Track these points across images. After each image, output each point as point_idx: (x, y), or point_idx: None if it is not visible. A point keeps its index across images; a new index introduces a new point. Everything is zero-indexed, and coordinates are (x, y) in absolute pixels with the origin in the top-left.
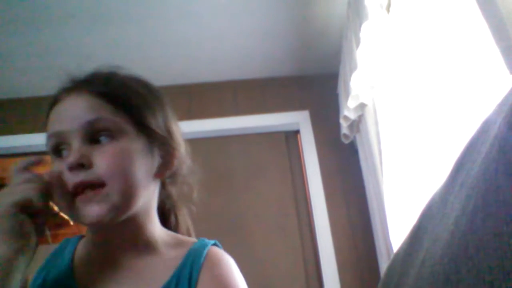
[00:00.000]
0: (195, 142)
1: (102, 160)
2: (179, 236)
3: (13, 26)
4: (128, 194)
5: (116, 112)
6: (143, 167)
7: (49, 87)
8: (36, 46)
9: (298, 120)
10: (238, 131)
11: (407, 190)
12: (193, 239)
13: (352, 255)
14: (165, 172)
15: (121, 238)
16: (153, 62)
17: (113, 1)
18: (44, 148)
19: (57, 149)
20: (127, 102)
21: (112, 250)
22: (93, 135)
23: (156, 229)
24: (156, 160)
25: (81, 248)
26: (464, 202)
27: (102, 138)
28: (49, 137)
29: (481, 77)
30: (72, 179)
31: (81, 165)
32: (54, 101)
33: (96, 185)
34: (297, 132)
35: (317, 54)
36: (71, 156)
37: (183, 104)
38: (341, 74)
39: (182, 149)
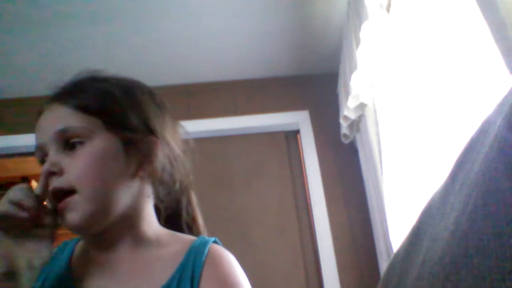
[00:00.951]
0: (194, 142)
1: (73, 167)
2: (177, 233)
3: (12, 25)
4: (100, 198)
5: (85, 117)
6: (117, 167)
7: (48, 87)
8: (36, 45)
9: (298, 120)
10: (238, 131)
11: (407, 190)
12: (191, 236)
13: (352, 255)
14: (144, 170)
15: (114, 239)
16: (153, 62)
17: (112, 1)
18: None
19: (43, 160)
20: (95, 106)
21: (109, 250)
22: (66, 143)
23: (152, 228)
24: (135, 159)
25: (79, 250)
26: (464, 202)
27: (75, 145)
28: (34, 151)
29: (481, 77)
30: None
31: (53, 173)
32: (38, 114)
33: (70, 192)
34: (297, 132)
35: (317, 54)
36: (44, 166)
37: (182, 104)
38: (341, 74)
39: (166, 146)
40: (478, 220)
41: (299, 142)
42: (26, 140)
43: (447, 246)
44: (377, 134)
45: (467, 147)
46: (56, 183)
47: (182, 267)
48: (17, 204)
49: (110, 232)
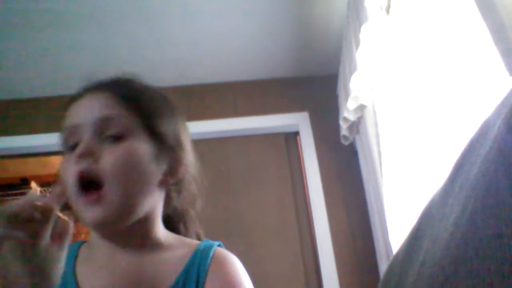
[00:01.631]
0: (194, 144)
1: (108, 158)
2: (182, 238)
3: (11, 26)
4: (127, 199)
5: (128, 114)
6: (148, 172)
7: (48, 88)
8: (34, 47)
9: (298, 121)
10: (238, 132)
11: (406, 192)
12: (196, 240)
13: (351, 257)
14: (170, 180)
15: (126, 241)
16: (153, 63)
17: (112, 2)
18: (41, 150)
19: (69, 142)
20: (140, 105)
21: (118, 253)
22: (104, 132)
23: (160, 232)
24: (162, 167)
25: (83, 254)
26: (463, 203)
27: (112, 137)
28: (63, 130)
29: (481, 79)
30: (76, 167)
31: (87, 155)
32: (72, 100)
33: (96, 184)
34: (296, 133)
35: (316, 55)
36: (80, 146)
37: (182, 105)
38: (341, 76)
39: (189, 159)
40: (478, 221)
41: (299, 143)
42: (25, 141)
43: (447, 248)
44: (377, 135)
45: (466, 149)
46: (86, 164)
47: (187, 270)
48: (15, 218)
49: (125, 234)
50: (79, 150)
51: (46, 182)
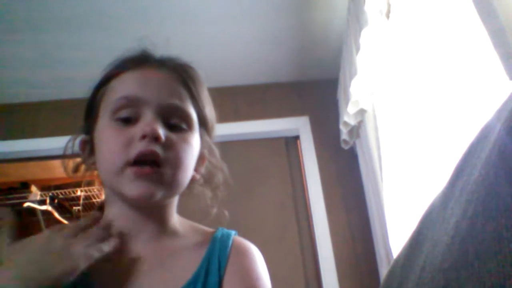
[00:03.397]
0: None
1: (176, 148)
2: (195, 224)
3: (13, 30)
4: (176, 185)
5: (193, 109)
6: (193, 165)
7: (49, 92)
8: (36, 50)
9: (298, 125)
10: (238, 136)
11: (407, 196)
12: (208, 228)
13: (351, 261)
14: (196, 176)
15: (147, 225)
16: None
17: (112, 6)
18: (41, 154)
19: (122, 113)
20: (203, 105)
21: (134, 237)
22: (168, 119)
23: (174, 218)
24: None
25: None
26: (464, 207)
27: (177, 126)
28: (120, 99)
29: (481, 83)
30: (142, 146)
31: (158, 140)
32: (132, 63)
33: (156, 164)
34: (297, 137)
35: (317, 60)
36: (157, 128)
37: None
38: (341, 80)
39: (216, 157)
40: (478, 225)
41: (299, 147)
42: (26, 145)
43: (447, 251)
44: (377, 140)
45: (467, 153)
46: (155, 147)
47: (208, 258)
48: None
49: (150, 217)
50: (157, 132)
51: (46, 186)
